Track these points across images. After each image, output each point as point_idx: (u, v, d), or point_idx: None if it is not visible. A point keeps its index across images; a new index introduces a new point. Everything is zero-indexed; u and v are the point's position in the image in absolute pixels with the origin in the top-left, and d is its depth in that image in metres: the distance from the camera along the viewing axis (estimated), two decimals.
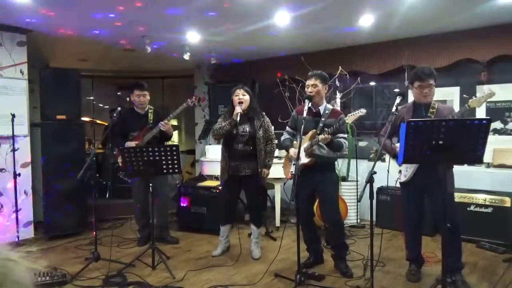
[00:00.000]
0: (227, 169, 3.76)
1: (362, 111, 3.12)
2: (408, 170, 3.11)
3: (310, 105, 3.29)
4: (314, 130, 3.33)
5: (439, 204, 2.93)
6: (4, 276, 0.68)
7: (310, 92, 3.37)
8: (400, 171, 3.18)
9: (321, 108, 3.43)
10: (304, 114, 3.18)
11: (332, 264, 3.59)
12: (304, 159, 3.31)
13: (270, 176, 3.92)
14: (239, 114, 3.59)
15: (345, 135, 3.40)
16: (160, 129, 4.11)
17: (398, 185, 3.26)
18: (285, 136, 3.66)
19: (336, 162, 3.67)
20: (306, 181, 3.28)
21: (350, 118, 3.14)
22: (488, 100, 2.99)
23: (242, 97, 3.69)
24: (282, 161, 4.72)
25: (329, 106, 3.48)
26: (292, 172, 3.33)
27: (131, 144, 4.10)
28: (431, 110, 3.05)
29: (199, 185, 4.96)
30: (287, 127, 3.69)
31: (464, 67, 4.78)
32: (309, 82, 3.42)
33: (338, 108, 3.50)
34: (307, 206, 3.56)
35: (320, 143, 3.23)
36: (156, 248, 3.61)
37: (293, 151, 3.43)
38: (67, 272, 3.34)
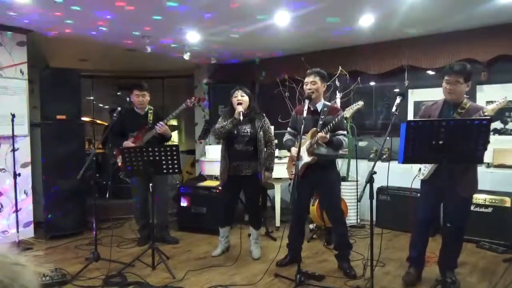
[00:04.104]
0: (227, 169, 3.75)
1: (360, 104, 3.12)
2: (425, 168, 3.07)
3: (309, 104, 3.29)
4: (315, 128, 3.32)
5: (450, 207, 2.92)
6: (12, 281, 0.69)
7: (309, 89, 3.36)
8: (419, 169, 3.13)
9: (319, 106, 3.42)
10: (304, 114, 3.18)
11: (332, 264, 3.59)
12: (306, 158, 3.32)
13: None
14: (241, 113, 3.58)
15: (345, 132, 3.39)
16: (157, 132, 4.10)
17: (415, 182, 3.23)
18: (287, 137, 3.64)
19: (336, 161, 3.65)
20: (306, 181, 3.27)
21: (348, 112, 3.14)
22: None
23: (240, 98, 3.68)
24: (282, 161, 4.74)
25: (327, 103, 3.47)
26: (292, 172, 3.33)
27: (128, 143, 4.10)
28: (459, 110, 2.92)
29: (199, 185, 4.96)
30: (288, 128, 3.68)
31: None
32: (308, 79, 3.40)
33: (337, 105, 3.49)
34: (305, 205, 3.56)
35: (319, 141, 3.23)
36: (156, 248, 3.61)
37: (294, 150, 3.42)
38: (67, 272, 3.34)
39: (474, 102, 3.07)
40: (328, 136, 3.18)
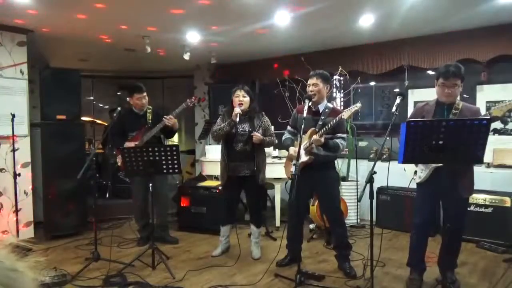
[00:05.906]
0: (226, 169, 3.74)
1: (357, 106, 3.12)
2: (423, 171, 3.01)
3: (310, 104, 3.29)
4: (313, 128, 3.33)
5: (450, 208, 2.91)
6: (8, 287, 0.67)
7: (311, 91, 3.37)
8: (415, 172, 3.07)
9: (321, 107, 3.43)
10: (304, 114, 3.17)
11: (332, 264, 3.59)
12: (303, 158, 3.31)
13: (270, 176, 3.89)
14: (238, 115, 3.57)
15: (344, 135, 3.38)
16: (166, 124, 4.06)
17: (411, 185, 3.18)
18: (286, 135, 3.64)
19: (335, 161, 3.65)
20: (305, 181, 3.27)
21: (346, 113, 3.14)
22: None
23: (242, 99, 3.67)
24: (282, 161, 4.74)
25: (330, 105, 3.47)
26: (292, 172, 3.32)
27: (130, 144, 4.10)
28: (453, 111, 2.89)
29: (199, 185, 4.96)
30: (288, 126, 3.68)
31: (464, 67, 4.76)
32: (310, 81, 3.41)
33: (339, 107, 3.49)
34: (303, 205, 3.55)
35: (314, 144, 3.22)
36: (156, 248, 3.61)
37: (293, 150, 3.42)
38: (67, 272, 3.34)
39: (474, 103, 3.05)
40: (323, 139, 3.17)
